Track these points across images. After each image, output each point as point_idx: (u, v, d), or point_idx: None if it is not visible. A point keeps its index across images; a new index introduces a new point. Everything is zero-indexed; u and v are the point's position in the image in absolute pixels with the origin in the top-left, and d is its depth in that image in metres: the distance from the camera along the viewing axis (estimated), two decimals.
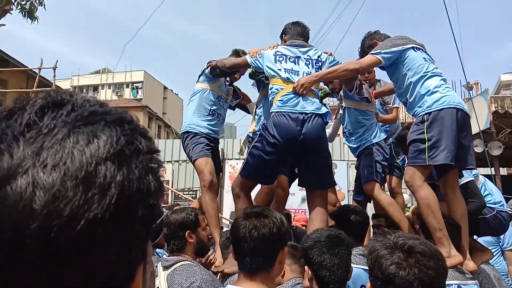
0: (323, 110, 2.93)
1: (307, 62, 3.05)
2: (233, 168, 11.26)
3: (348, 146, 3.90)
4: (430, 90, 2.87)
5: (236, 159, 11.68)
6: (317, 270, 1.89)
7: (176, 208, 2.88)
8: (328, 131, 4.07)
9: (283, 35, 3.32)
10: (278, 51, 3.09)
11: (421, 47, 3.07)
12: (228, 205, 10.65)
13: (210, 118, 3.67)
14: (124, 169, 0.42)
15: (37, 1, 7.82)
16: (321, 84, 4.07)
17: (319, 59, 3.11)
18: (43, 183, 0.38)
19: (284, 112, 2.86)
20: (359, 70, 3.19)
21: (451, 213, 2.89)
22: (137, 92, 38.18)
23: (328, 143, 4.77)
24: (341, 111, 3.93)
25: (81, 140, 0.41)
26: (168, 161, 12.61)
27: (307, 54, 3.09)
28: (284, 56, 3.05)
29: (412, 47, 3.03)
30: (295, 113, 2.84)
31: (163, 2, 13.96)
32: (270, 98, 3.07)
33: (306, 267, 1.97)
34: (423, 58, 3.01)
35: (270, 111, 3.02)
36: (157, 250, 3.11)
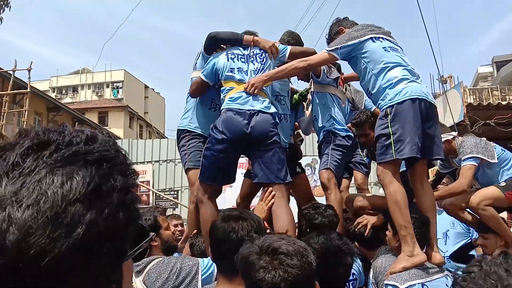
0: (272, 109, 2.93)
1: (252, 59, 3.07)
2: None
3: (317, 131, 3.70)
4: (391, 82, 2.81)
5: None
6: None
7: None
8: (303, 124, 4.04)
9: None
10: (229, 51, 3.11)
11: (382, 36, 3.01)
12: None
13: (213, 112, 3.37)
14: (94, 209, 0.45)
15: (3, 3, 7.68)
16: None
17: (262, 51, 3.10)
18: (17, 220, 0.42)
19: (232, 108, 2.88)
20: (307, 68, 3.16)
21: (419, 206, 2.88)
22: (118, 92, 37.69)
23: (308, 135, 4.62)
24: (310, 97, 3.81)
25: (56, 181, 0.45)
26: (148, 162, 12.52)
27: (250, 50, 3.10)
28: (236, 55, 3.07)
29: (371, 38, 2.96)
30: (243, 109, 2.86)
31: (140, 1, 13.82)
32: (222, 97, 3.06)
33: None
34: (383, 48, 2.93)
35: (221, 108, 3.02)
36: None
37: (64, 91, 38.39)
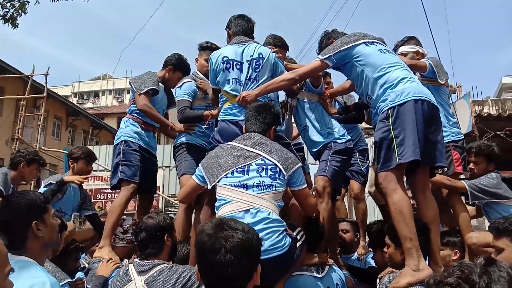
0: None
1: (248, 65, 3.14)
2: None
3: (310, 142, 3.45)
4: (392, 82, 2.68)
5: None
6: None
7: (151, 212, 2.86)
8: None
9: (228, 29, 3.42)
10: (225, 56, 3.16)
11: (376, 41, 2.92)
12: None
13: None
14: None
15: (21, 10, 7.92)
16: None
17: (260, 56, 3.14)
18: None
19: (226, 119, 3.10)
20: (297, 79, 3.08)
21: (422, 217, 2.72)
22: None
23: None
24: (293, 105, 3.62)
25: None
26: (159, 167, 12.59)
27: (248, 53, 3.16)
28: (231, 63, 3.15)
29: (364, 42, 2.86)
30: (234, 119, 3.06)
31: (158, 8, 14.10)
32: (220, 105, 3.23)
33: None
34: (379, 50, 2.84)
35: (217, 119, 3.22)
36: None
37: (85, 96, 39.19)
